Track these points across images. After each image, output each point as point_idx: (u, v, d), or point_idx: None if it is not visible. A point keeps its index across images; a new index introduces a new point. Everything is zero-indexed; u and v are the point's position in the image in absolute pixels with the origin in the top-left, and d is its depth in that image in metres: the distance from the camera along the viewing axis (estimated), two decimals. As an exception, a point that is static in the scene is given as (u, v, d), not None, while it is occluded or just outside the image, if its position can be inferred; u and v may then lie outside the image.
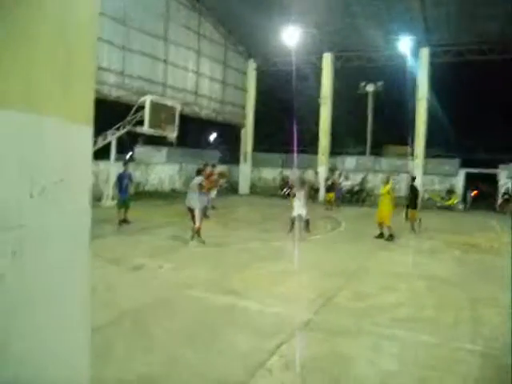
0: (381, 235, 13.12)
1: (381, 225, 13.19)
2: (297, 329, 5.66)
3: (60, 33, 2.23)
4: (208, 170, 16.03)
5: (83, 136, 2.41)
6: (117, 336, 5.25)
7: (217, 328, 5.59)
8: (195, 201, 11.02)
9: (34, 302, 2.24)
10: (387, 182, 13.42)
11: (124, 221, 13.74)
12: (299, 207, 12.90)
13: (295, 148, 30.06)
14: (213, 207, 17.51)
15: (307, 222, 13.27)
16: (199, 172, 11.81)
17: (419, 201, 15.42)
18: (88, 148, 2.47)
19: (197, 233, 10.99)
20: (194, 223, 10.99)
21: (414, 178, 15.92)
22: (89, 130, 2.44)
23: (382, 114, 29.53)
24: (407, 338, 5.58)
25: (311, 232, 13.22)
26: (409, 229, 14.44)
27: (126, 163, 14.93)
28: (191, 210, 11.08)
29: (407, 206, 15.33)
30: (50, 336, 2.35)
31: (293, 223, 12.88)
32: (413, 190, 15.05)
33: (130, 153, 28.07)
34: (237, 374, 4.40)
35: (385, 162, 27.59)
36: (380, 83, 24.62)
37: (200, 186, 11.14)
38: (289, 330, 5.57)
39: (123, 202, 13.83)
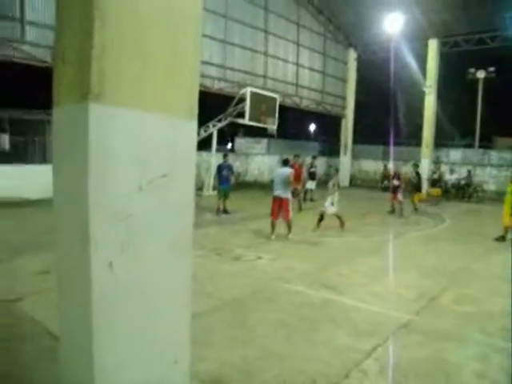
0: (502, 238, 11.79)
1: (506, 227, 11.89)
2: (396, 330, 5.46)
3: (166, 30, 2.29)
4: (298, 161, 16.12)
5: (188, 131, 2.47)
6: (216, 325, 5.38)
7: (314, 323, 5.56)
8: (283, 191, 10.72)
9: (140, 291, 2.33)
10: None
11: (224, 211, 14.14)
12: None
13: (396, 140, 29.14)
14: (311, 199, 17.44)
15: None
16: (286, 163, 11.30)
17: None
18: (192, 143, 2.52)
19: (289, 225, 10.91)
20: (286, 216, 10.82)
21: None
22: (193, 125, 2.49)
23: (493, 103, 27.58)
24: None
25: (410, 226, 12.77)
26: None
27: (225, 155, 15.45)
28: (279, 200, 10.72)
29: None
30: (154, 323, 2.44)
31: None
32: None
33: (230, 144, 28.70)
34: (331, 374, 4.32)
35: (495, 156, 25.78)
36: (492, 69, 22.86)
37: (288, 181, 10.68)
38: (387, 331, 5.39)
39: (223, 192, 14.18)
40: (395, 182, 15.72)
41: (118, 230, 2.21)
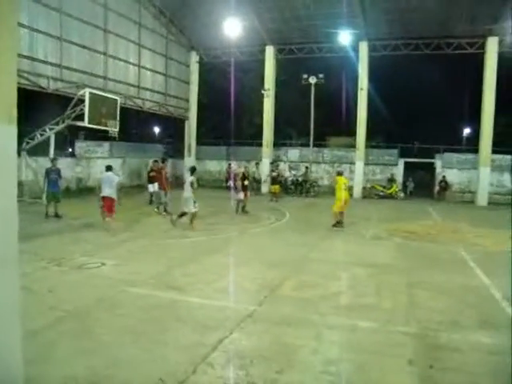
0: (338, 223, 13.60)
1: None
2: (240, 321, 5.71)
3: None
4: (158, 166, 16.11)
5: (6, 136, 2.33)
6: (60, 338, 5.12)
7: (161, 324, 5.57)
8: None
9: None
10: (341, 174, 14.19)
11: (56, 215, 13.85)
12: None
13: (239, 140, 30.26)
14: (156, 202, 17.20)
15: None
16: (109, 168, 12.68)
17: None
18: (12, 148, 2.38)
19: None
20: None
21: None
22: (11, 130, 2.35)
23: (324, 106, 30.06)
24: (348, 325, 5.75)
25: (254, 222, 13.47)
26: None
27: (54, 159, 15.08)
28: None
29: None
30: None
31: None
32: None
33: (70, 148, 27.29)
34: (179, 371, 4.38)
35: (328, 153, 28.18)
36: (322, 75, 25.02)
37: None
38: (232, 323, 5.62)
39: (52, 196, 13.99)
40: (245, 182, 16.35)
41: None
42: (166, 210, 15.42)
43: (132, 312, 5.98)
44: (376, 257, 9.97)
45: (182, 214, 12.86)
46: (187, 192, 12.59)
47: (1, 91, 2.29)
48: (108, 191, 11.96)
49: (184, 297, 6.65)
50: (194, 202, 12.59)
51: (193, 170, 13.19)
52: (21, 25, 16.68)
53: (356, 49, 25.12)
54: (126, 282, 7.34)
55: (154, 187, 17.30)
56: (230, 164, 26.58)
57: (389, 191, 25.20)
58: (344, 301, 6.75)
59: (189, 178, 12.84)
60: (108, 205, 11.95)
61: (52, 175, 14.20)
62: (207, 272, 8.16)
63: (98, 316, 5.83)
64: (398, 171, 26.63)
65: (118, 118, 19.11)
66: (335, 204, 13.67)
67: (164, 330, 5.41)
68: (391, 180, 25.77)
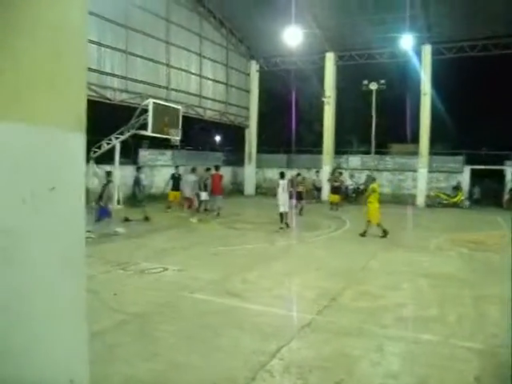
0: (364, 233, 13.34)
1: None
2: (299, 330, 5.67)
3: (48, 38, 2.24)
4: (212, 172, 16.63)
5: (75, 143, 2.42)
6: (122, 340, 5.27)
7: (220, 330, 5.61)
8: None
9: (26, 308, 2.26)
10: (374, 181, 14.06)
11: (145, 218, 15.25)
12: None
13: (299, 148, 30.18)
14: (206, 209, 17.41)
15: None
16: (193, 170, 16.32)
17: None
18: (80, 155, 2.48)
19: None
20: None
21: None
22: (81, 137, 2.45)
23: (385, 113, 29.45)
24: (410, 337, 5.57)
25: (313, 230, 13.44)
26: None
27: (138, 168, 17.11)
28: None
29: None
30: (46, 338, 2.38)
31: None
32: None
33: (118, 156, 28.21)
34: (238, 378, 4.39)
35: (390, 161, 27.55)
36: (383, 81, 24.58)
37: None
38: (291, 331, 5.58)
39: (137, 201, 15.80)
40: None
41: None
42: (218, 214, 16.49)
43: (192, 317, 6.07)
44: (440, 268, 9.59)
45: (281, 215, 14.23)
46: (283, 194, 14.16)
47: (71, 101, 2.39)
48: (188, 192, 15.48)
49: (243, 303, 6.68)
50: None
51: (282, 175, 14.77)
52: (91, 41, 17.55)
53: (418, 53, 24.48)
54: (186, 287, 7.46)
55: (205, 195, 17.65)
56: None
57: (453, 200, 24.25)
58: (406, 312, 6.54)
59: (282, 182, 14.36)
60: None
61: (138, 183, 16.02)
62: (266, 279, 8.17)
63: (160, 320, 5.95)
64: (464, 179, 25.62)
65: (180, 126, 19.53)
66: (375, 214, 13.32)
67: (223, 336, 5.45)
68: (456, 188, 24.78)
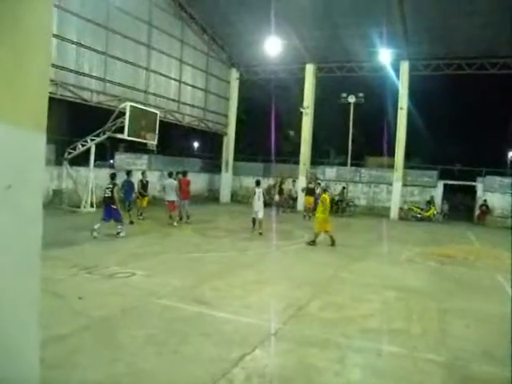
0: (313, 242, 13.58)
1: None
2: (264, 339, 5.65)
3: (7, 34, 2.20)
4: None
5: (34, 143, 2.39)
6: (83, 344, 5.18)
7: (185, 337, 5.56)
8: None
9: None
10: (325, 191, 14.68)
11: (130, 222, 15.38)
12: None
13: (276, 157, 30.32)
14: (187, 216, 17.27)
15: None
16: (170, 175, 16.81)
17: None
18: (40, 154, 2.44)
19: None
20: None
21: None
22: (41, 137, 2.41)
23: (363, 125, 29.85)
24: (374, 349, 5.60)
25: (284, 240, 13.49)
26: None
27: (128, 173, 16.71)
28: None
29: None
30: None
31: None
32: None
33: (111, 160, 27.90)
34: (199, 384, 4.37)
35: (365, 173, 27.88)
36: (361, 94, 24.93)
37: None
38: (256, 340, 5.56)
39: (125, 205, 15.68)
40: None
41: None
42: (188, 217, 16.77)
43: (157, 323, 6.00)
44: (409, 280, 9.69)
45: (254, 221, 15.21)
46: (258, 202, 14.91)
47: (32, 101, 2.36)
48: (172, 196, 15.93)
49: (210, 311, 6.63)
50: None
51: (258, 183, 15.57)
52: (69, 40, 17.39)
53: (397, 68, 24.90)
54: (154, 293, 7.38)
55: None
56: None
57: (427, 213, 24.65)
58: (371, 324, 6.57)
59: (258, 190, 15.12)
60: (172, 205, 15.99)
61: (126, 187, 15.98)
62: (235, 287, 8.13)
63: (124, 325, 5.87)
64: (437, 193, 26.05)
65: (157, 131, 19.45)
66: (325, 224, 13.55)
67: (187, 342, 5.40)
68: (429, 202, 25.20)
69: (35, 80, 2.37)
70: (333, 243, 13.37)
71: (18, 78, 2.26)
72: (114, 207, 12.65)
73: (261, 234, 14.63)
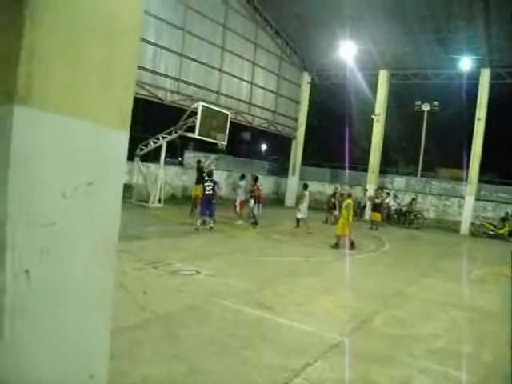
0: (336, 245, 13.84)
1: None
2: (327, 350, 5.52)
3: (102, 38, 2.24)
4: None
5: (118, 140, 2.42)
6: (145, 339, 5.27)
7: (246, 340, 5.53)
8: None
9: (57, 300, 2.26)
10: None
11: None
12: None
13: (344, 164, 29.85)
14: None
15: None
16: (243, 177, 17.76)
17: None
18: (122, 153, 2.47)
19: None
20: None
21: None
22: (124, 136, 2.45)
23: (436, 135, 28.79)
24: (441, 372, 5.33)
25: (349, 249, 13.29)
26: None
27: (210, 172, 16.16)
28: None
29: None
30: (70, 334, 2.36)
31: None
32: None
33: (179, 158, 28.56)
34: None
35: (436, 185, 26.86)
36: (436, 103, 24.04)
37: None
38: (318, 351, 5.44)
39: None
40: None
41: (38, 238, 2.13)
42: (256, 223, 16.52)
43: (219, 324, 6.01)
44: (480, 300, 9.18)
45: (298, 220, 16.67)
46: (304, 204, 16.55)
47: (118, 100, 2.39)
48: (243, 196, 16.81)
49: (272, 316, 6.58)
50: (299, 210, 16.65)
51: (306, 187, 17.24)
52: (148, 42, 17.96)
53: (476, 76, 23.80)
54: (217, 293, 7.43)
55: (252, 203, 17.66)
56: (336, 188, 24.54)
57: (500, 231, 23.36)
58: (439, 344, 6.25)
59: (306, 193, 16.84)
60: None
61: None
62: (298, 294, 8.04)
63: (186, 323, 5.93)
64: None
65: (227, 132, 19.68)
66: (344, 228, 13.69)
67: (248, 346, 5.37)
68: (504, 219, 23.85)
69: (124, 83, 2.40)
70: (352, 246, 13.74)
71: (109, 80, 2.30)
72: (214, 202, 14.16)
73: (309, 233, 15.99)
